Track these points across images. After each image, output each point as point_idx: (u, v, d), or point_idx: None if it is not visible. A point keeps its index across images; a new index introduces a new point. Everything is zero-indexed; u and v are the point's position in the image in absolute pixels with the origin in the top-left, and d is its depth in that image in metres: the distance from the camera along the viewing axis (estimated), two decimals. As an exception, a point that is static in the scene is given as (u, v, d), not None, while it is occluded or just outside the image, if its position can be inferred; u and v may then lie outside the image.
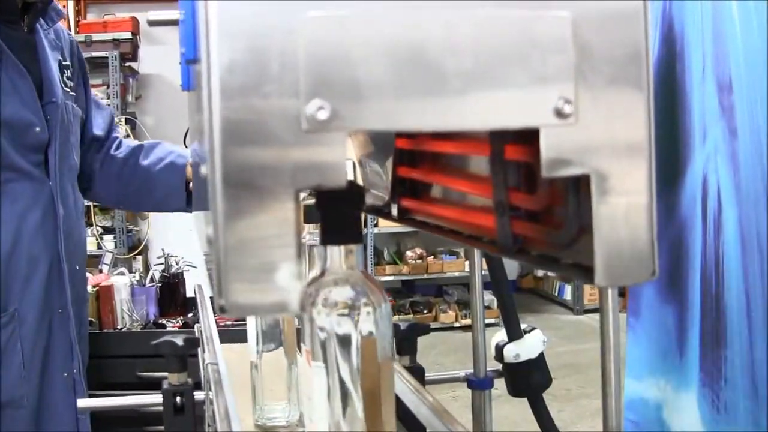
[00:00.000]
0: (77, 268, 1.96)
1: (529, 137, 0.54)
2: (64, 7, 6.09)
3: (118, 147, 2.15)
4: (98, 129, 2.12)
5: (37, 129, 1.82)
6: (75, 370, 1.90)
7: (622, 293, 1.04)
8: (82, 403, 1.18)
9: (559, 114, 0.51)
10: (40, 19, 1.89)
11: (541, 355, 1.20)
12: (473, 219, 0.76)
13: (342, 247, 0.70)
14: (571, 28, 0.51)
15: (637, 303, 1.34)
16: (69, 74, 1.98)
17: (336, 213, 0.69)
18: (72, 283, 1.90)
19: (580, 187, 0.55)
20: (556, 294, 7.84)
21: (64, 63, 1.97)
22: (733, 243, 1.09)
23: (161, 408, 1.09)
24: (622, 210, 0.53)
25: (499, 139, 0.65)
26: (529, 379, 1.19)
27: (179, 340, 1.08)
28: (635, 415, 1.34)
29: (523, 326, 1.21)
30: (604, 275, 0.53)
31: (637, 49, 0.53)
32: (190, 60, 0.58)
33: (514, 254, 0.67)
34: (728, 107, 1.11)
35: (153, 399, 1.11)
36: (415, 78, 0.49)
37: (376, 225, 6.79)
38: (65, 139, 1.91)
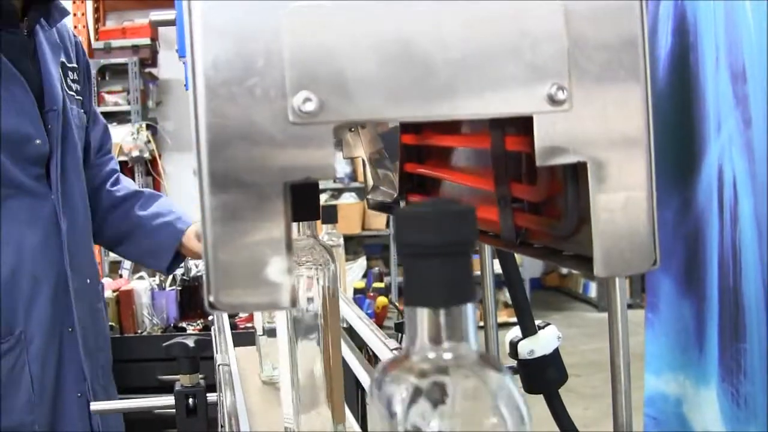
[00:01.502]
0: (88, 282, 1.87)
1: (529, 128, 0.53)
2: (83, 15, 6.16)
3: (116, 183, 2.04)
4: (92, 144, 2.00)
5: (38, 141, 1.72)
6: (88, 388, 1.82)
7: (643, 289, 1.02)
8: (96, 406, 1.18)
9: (553, 100, 0.50)
10: (41, 19, 1.78)
11: (556, 351, 1.19)
12: (478, 213, 0.75)
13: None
14: (564, 15, 0.50)
15: (656, 298, 1.32)
16: (74, 76, 1.88)
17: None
18: (82, 299, 1.82)
19: (579, 177, 0.54)
20: (581, 291, 7.80)
21: (69, 65, 1.87)
22: (750, 234, 1.07)
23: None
24: (621, 198, 0.52)
25: (499, 130, 0.64)
26: (544, 376, 1.18)
27: (190, 342, 1.08)
28: (655, 411, 1.32)
29: (537, 322, 1.19)
30: (604, 265, 0.52)
31: (633, 37, 0.52)
32: (183, 57, 0.58)
33: (517, 247, 0.66)
34: (742, 97, 1.09)
35: (166, 401, 1.11)
36: (404, 68, 0.48)
37: (397, 225, 6.76)
38: (70, 147, 1.81)
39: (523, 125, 0.55)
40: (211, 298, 0.47)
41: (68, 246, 1.78)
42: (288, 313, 0.93)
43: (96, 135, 2.03)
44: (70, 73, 1.86)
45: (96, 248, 2.18)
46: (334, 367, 0.95)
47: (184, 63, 0.75)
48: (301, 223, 0.94)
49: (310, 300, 0.93)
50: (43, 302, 1.74)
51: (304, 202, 0.83)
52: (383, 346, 1.14)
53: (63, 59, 1.84)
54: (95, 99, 2.05)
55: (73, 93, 1.85)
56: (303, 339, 0.94)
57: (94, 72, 5.39)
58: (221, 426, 1.07)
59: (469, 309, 0.45)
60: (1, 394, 1.69)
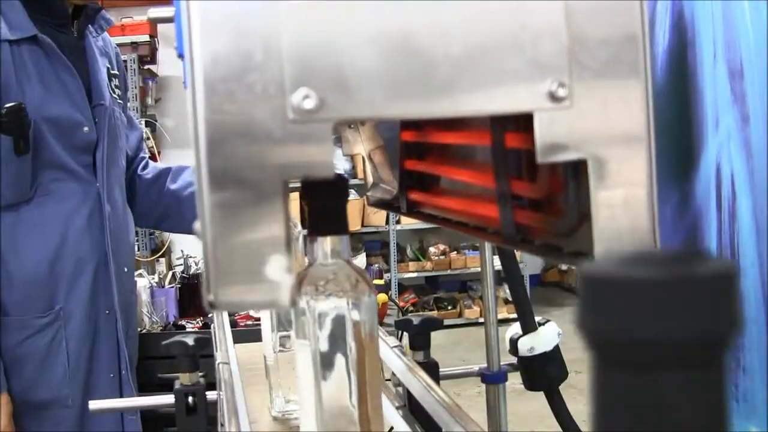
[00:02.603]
0: (126, 270, 1.98)
1: (529, 125, 0.53)
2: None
3: (145, 167, 2.17)
4: (129, 148, 2.12)
5: (86, 129, 1.84)
6: (123, 372, 1.93)
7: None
8: (94, 404, 1.18)
9: (553, 97, 0.50)
10: (89, 26, 1.92)
11: (556, 348, 1.19)
12: (478, 210, 0.75)
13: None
14: (563, 10, 0.50)
15: (655, 294, 1.32)
16: (117, 83, 2.01)
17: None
18: (119, 285, 1.92)
19: (579, 174, 0.54)
20: (581, 288, 7.79)
21: (112, 71, 2.00)
22: (748, 231, 1.07)
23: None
24: (621, 196, 0.52)
25: (499, 127, 0.64)
26: (544, 372, 1.18)
27: (190, 340, 1.07)
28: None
29: (537, 319, 1.19)
30: (604, 263, 0.51)
31: (633, 34, 0.52)
32: (181, 55, 0.57)
33: (517, 244, 0.66)
34: (740, 94, 1.09)
35: (165, 399, 1.11)
36: (403, 64, 0.48)
37: (398, 222, 6.77)
38: (113, 141, 1.93)
39: (523, 122, 0.55)
40: (211, 297, 0.47)
41: (110, 232, 1.89)
42: (313, 345, 0.73)
43: (133, 139, 2.16)
44: (113, 79, 2.00)
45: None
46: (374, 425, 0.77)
47: (182, 60, 0.75)
48: (326, 240, 0.74)
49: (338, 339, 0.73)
50: (84, 283, 1.85)
51: (328, 210, 0.72)
52: (383, 344, 1.14)
53: (108, 65, 1.99)
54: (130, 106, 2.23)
55: (116, 96, 1.99)
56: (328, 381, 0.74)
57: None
58: (221, 425, 1.07)
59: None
60: (37, 367, 1.81)
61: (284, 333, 1.06)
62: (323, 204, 0.70)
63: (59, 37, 1.83)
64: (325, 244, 0.73)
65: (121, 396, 1.90)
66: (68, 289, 1.83)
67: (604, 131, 0.51)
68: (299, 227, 0.96)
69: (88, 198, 1.86)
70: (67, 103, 1.81)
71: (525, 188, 0.63)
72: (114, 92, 1.97)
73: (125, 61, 6.12)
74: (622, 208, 0.51)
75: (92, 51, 1.92)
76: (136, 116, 6.15)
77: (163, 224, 2.27)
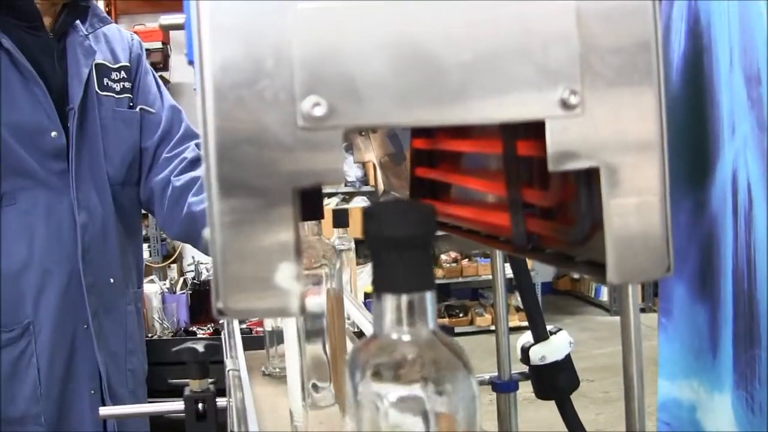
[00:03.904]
0: (111, 281, 1.88)
1: (541, 132, 0.52)
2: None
3: (181, 172, 1.94)
4: (144, 140, 1.98)
5: (54, 134, 1.77)
6: (104, 386, 1.84)
7: (655, 293, 1.01)
8: (105, 411, 1.18)
9: (565, 105, 0.49)
10: (80, 25, 1.86)
11: (568, 357, 1.18)
12: (489, 218, 0.75)
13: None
14: (575, 17, 0.50)
15: (669, 302, 1.31)
16: (123, 75, 1.93)
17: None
18: (98, 296, 1.83)
19: (592, 182, 0.53)
20: (593, 295, 7.78)
21: (112, 66, 1.92)
22: (764, 239, 1.06)
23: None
24: (634, 204, 0.51)
25: (510, 134, 0.63)
26: (555, 381, 1.17)
27: (200, 347, 1.07)
28: (668, 416, 1.31)
29: (549, 327, 1.18)
30: (617, 272, 0.51)
31: (646, 40, 0.51)
32: (191, 62, 0.57)
33: (528, 252, 0.65)
34: (757, 100, 1.08)
35: (175, 406, 1.11)
36: (414, 71, 0.48)
37: (409, 229, 6.75)
38: (89, 145, 1.84)
39: (534, 129, 0.54)
40: (220, 305, 0.47)
41: (82, 242, 1.80)
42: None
43: (153, 128, 1.99)
44: (113, 73, 1.91)
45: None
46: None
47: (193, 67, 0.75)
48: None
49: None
50: (52, 295, 1.77)
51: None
52: (368, 322, 1.13)
53: (101, 61, 1.89)
54: (161, 93, 2.05)
55: (112, 93, 1.89)
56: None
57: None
58: (231, 431, 1.07)
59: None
60: (3, 383, 1.72)
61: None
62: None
63: (27, 39, 1.77)
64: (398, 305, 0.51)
65: None
66: (35, 302, 1.76)
67: (617, 139, 0.50)
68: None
69: (58, 206, 1.78)
70: (30, 108, 1.75)
71: (536, 196, 0.62)
72: (109, 88, 1.89)
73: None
74: (635, 216, 0.51)
75: (74, 51, 1.84)
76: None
77: (189, 241, 2.08)
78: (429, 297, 0.52)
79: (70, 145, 1.80)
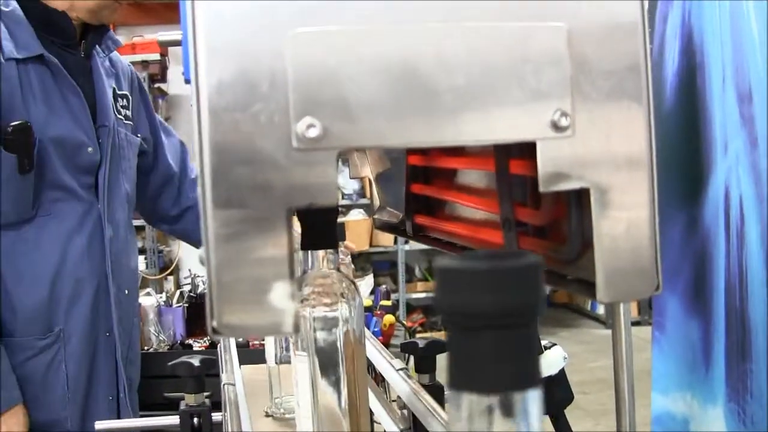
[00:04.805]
0: (126, 293, 1.96)
1: (533, 152, 0.53)
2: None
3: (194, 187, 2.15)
4: (170, 160, 2.13)
5: (90, 149, 1.83)
6: (122, 395, 1.92)
7: (650, 305, 1.02)
8: (100, 425, 1.18)
9: (556, 127, 0.50)
10: (97, 46, 1.92)
11: (562, 372, 1.18)
12: (483, 235, 0.76)
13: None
14: (566, 40, 0.50)
15: (662, 317, 1.32)
16: (124, 103, 2.01)
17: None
18: (119, 307, 1.91)
19: (583, 202, 0.54)
20: (589, 308, 7.78)
21: (119, 92, 1.99)
22: (756, 255, 1.07)
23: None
24: (624, 224, 0.52)
25: (503, 154, 0.64)
26: (550, 396, 1.17)
27: (195, 362, 1.08)
28: (662, 429, 1.31)
29: (543, 342, 1.19)
30: (606, 291, 0.52)
31: (636, 62, 0.52)
32: (188, 81, 0.58)
33: (521, 270, 0.66)
34: (749, 117, 1.09)
35: (171, 420, 1.11)
36: (407, 93, 0.49)
37: (406, 242, 6.77)
38: (116, 163, 1.92)
39: (527, 149, 0.55)
40: (214, 323, 0.47)
41: (110, 254, 1.88)
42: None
43: (173, 150, 2.17)
44: (120, 99, 1.99)
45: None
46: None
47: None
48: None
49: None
50: (84, 304, 1.84)
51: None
52: (389, 366, 1.14)
53: (114, 86, 1.98)
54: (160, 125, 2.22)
55: (122, 117, 1.97)
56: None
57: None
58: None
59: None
60: (40, 388, 1.80)
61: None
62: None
63: (66, 57, 1.83)
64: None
65: (119, 419, 1.88)
66: (67, 310, 1.82)
67: (606, 160, 0.51)
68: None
69: (88, 219, 1.85)
70: (72, 124, 1.81)
71: (529, 215, 0.63)
72: (120, 113, 1.97)
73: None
74: (624, 236, 0.52)
75: (98, 71, 1.92)
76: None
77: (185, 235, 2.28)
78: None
79: (103, 161, 1.87)
